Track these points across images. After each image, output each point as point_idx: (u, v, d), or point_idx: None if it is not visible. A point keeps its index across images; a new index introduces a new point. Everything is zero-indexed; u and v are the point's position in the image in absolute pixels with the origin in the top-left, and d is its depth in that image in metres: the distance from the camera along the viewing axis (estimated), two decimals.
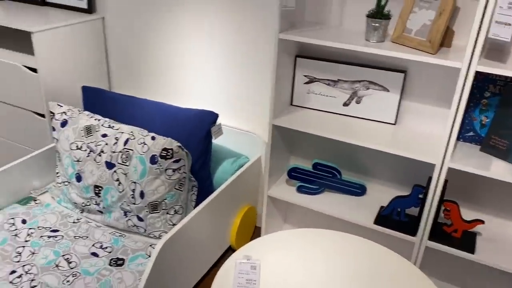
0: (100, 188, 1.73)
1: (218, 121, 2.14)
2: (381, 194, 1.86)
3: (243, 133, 2.06)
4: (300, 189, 1.84)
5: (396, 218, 1.71)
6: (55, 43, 2.04)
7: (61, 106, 1.89)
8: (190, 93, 2.17)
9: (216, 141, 2.14)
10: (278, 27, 1.56)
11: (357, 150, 1.86)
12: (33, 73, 2.02)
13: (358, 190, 1.82)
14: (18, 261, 1.55)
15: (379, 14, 1.50)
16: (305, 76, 1.80)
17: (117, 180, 1.69)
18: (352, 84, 1.73)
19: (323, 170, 1.79)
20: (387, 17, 1.50)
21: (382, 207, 1.77)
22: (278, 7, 1.53)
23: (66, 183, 1.84)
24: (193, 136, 1.79)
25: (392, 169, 1.83)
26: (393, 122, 1.73)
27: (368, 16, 1.51)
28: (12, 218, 1.75)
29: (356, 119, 1.77)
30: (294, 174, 1.82)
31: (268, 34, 1.86)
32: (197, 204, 1.81)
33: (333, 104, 1.79)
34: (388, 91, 1.69)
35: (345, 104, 1.77)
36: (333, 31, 1.65)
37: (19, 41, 2.34)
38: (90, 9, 2.21)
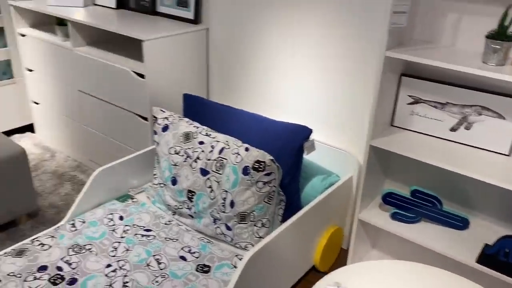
0: (193, 193, 1.78)
1: (312, 136, 2.11)
2: (485, 230, 1.69)
3: (336, 150, 2.00)
4: (394, 216, 1.74)
5: (503, 260, 1.53)
6: (162, 52, 2.15)
7: (164, 112, 1.99)
8: (285, 106, 2.17)
9: (307, 157, 2.10)
10: (385, 44, 1.49)
11: (462, 180, 1.71)
12: (141, 78, 2.15)
13: (460, 224, 1.67)
14: (113, 256, 1.64)
15: (501, 35, 1.37)
16: (409, 96, 1.70)
17: (210, 187, 1.72)
18: (462, 108, 1.60)
19: (422, 198, 1.67)
20: (511, 38, 1.37)
21: (486, 245, 1.61)
22: (388, 24, 1.46)
23: (162, 185, 1.92)
24: (285, 150, 1.77)
25: (500, 205, 1.65)
26: (507, 153, 1.57)
27: (488, 37, 1.39)
28: (111, 214, 1.87)
29: (464, 147, 1.63)
30: (389, 199, 1.72)
31: (372, 51, 1.79)
32: (283, 219, 1.79)
33: (438, 128, 1.67)
34: (503, 118, 1.53)
35: (453, 129, 1.64)
36: (444, 50, 1.54)
37: (131, 47, 2.52)
38: (196, 20, 2.31)
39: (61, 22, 2.56)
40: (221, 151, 1.72)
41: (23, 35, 2.75)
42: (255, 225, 1.68)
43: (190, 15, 2.32)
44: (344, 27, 1.83)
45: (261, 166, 1.61)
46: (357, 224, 1.80)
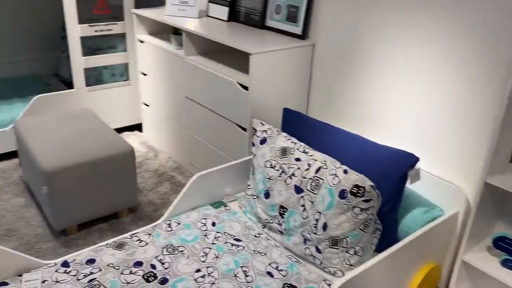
0: (285, 210, 1.76)
1: (417, 165, 1.98)
2: None
3: (442, 182, 1.85)
4: (505, 263, 1.55)
5: None
6: (267, 65, 2.18)
7: (263, 125, 2.00)
8: (390, 130, 2.07)
9: (409, 186, 1.98)
10: None
11: None
12: (245, 90, 2.20)
13: None
14: (203, 261, 1.68)
15: None
16: None
17: (303, 206, 1.69)
18: None
19: None
20: None
21: None
22: None
23: (255, 197, 1.93)
24: (387, 176, 1.68)
25: None
26: None
27: None
28: (204, 219, 1.92)
29: None
30: (501, 244, 1.55)
31: (497, 79, 1.63)
32: (377, 249, 1.69)
33: None
34: None
35: None
36: None
37: (238, 59, 2.59)
38: (303, 36, 2.31)
39: (176, 32, 2.73)
40: (317, 170, 1.68)
41: (141, 42, 2.97)
42: (347, 252, 1.61)
43: (298, 30, 2.33)
44: (468, 51, 1.70)
45: (359, 192, 1.54)
46: (460, 265, 1.64)
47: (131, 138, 3.27)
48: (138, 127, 3.41)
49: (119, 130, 3.35)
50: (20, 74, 3.61)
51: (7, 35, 3.48)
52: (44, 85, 3.40)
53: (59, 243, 2.17)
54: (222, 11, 2.71)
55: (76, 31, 2.87)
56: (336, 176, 1.61)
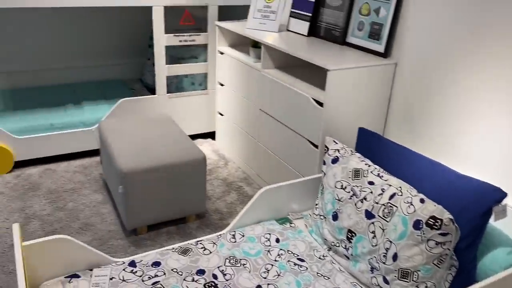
0: (353, 234, 1.69)
1: (504, 200, 1.81)
2: None
3: None
4: None
5: None
6: (345, 82, 2.13)
7: (336, 143, 1.95)
8: (474, 160, 1.92)
9: (492, 222, 1.81)
10: None
11: None
12: (319, 106, 2.16)
13: None
14: (265, 278, 1.66)
15: None
16: None
17: (373, 232, 1.61)
18: None
19: None
20: None
21: None
22: None
23: (322, 217, 1.88)
24: (468, 210, 1.55)
25: None
26: None
27: None
28: (269, 234, 1.90)
29: None
30: None
31: None
32: (451, 287, 1.56)
33: None
34: None
35: None
36: None
37: (315, 74, 2.56)
38: (385, 54, 2.23)
39: (256, 45, 2.76)
40: (392, 196, 1.59)
41: (221, 53, 3.05)
42: (417, 286, 1.50)
43: (380, 48, 2.25)
44: None
45: (436, 224, 1.44)
46: None
47: (204, 146, 3.35)
48: (211, 135, 3.49)
49: (194, 137, 3.45)
50: (107, 77, 3.87)
51: (100, 40, 3.75)
52: (129, 89, 3.60)
53: (129, 241, 2.26)
54: (302, 26, 2.71)
55: (162, 40, 3.01)
56: (412, 204, 1.52)
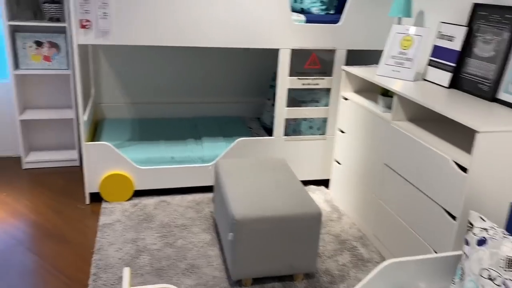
0: None
1: None
2: None
3: None
4: None
5: None
6: (497, 147, 1.80)
7: (484, 221, 1.63)
8: None
9: None
10: None
11: None
12: (462, 172, 1.85)
13: None
14: None
15: None
16: None
17: None
18: None
19: None
20: None
21: None
22: None
23: None
24: None
25: None
26: None
27: None
28: None
29: None
30: None
31: None
32: None
33: None
34: None
35: None
36: None
37: (455, 132, 2.25)
38: None
39: (385, 93, 2.54)
40: None
41: (345, 99, 2.88)
42: None
43: None
44: None
45: None
46: None
47: (316, 193, 3.17)
48: (325, 183, 3.30)
49: (306, 183, 3.29)
50: (227, 114, 3.92)
51: (223, 78, 3.84)
52: (246, 127, 3.60)
53: None
54: (442, 76, 2.42)
55: (285, 83, 2.95)
56: None
